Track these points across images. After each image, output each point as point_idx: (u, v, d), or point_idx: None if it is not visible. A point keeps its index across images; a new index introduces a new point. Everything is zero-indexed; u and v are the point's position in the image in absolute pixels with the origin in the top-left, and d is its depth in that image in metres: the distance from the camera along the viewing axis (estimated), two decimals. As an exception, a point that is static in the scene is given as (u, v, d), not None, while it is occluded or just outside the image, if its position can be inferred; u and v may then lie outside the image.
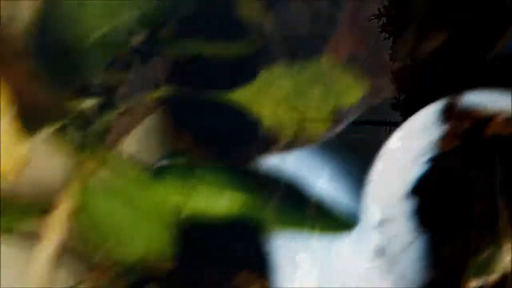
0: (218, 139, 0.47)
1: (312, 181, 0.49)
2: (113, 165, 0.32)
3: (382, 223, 0.44)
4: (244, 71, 0.37)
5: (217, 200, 0.29)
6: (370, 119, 0.42)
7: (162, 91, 0.35)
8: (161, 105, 0.49)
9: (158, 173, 0.30)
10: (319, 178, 0.50)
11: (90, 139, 0.35)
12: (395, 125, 0.42)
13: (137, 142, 0.72)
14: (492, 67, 0.41)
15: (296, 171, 0.51)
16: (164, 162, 0.33)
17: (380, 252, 0.43)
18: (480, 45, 0.40)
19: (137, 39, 0.35)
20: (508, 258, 0.33)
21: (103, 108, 0.37)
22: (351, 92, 0.31)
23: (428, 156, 0.43)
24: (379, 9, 0.32)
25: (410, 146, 0.43)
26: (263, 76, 0.31)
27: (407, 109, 0.42)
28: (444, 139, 0.41)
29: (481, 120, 0.39)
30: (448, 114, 0.39)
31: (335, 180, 0.50)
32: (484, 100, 0.38)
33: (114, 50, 0.32)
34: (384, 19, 0.32)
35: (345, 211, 0.32)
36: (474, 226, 0.40)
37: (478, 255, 0.35)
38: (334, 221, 0.31)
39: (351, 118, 0.38)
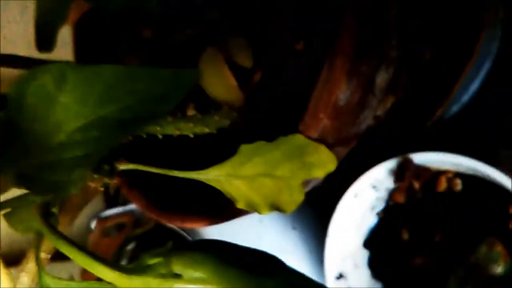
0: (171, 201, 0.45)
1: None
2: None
3: (341, 276, 0.45)
4: (216, 149, 0.36)
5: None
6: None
7: (133, 166, 0.32)
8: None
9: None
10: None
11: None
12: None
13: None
14: (432, 132, 0.44)
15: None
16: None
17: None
18: (422, 111, 0.43)
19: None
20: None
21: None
22: (324, 165, 0.32)
23: (380, 208, 0.46)
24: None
25: (364, 200, 0.45)
26: (237, 155, 0.30)
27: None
28: (396, 194, 0.44)
29: (430, 178, 0.42)
30: (402, 172, 0.41)
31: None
32: (432, 160, 0.41)
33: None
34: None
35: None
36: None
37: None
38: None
39: (315, 182, 0.39)
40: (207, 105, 0.34)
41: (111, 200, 0.74)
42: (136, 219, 0.65)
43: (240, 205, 0.30)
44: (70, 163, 0.22)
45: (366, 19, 0.28)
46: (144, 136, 0.30)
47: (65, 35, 0.53)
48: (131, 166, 0.30)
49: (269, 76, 0.34)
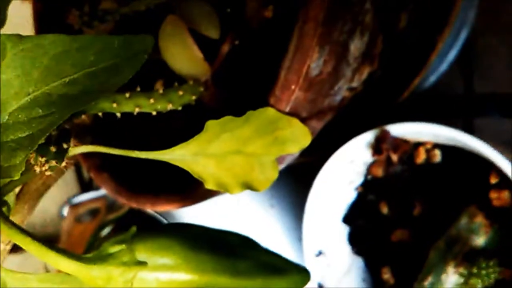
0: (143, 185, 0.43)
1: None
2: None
3: (321, 253, 0.44)
4: (183, 126, 0.34)
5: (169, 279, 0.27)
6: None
7: (89, 148, 0.30)
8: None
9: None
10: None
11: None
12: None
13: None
14: (407, 105, 0.43)
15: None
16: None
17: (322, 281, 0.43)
18: (399, 81, 0.41)
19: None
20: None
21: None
22: (298, 140, 0.30)
23: (358, 183, 0.44)
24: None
25: (341, 175, 0.43)
26: (204, 132, 0.28)
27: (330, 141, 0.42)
28: (374, 167, 0.42)
29: (409, 149, 0.41)
30: (379, 145, 0.40)
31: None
32: (410, 131, 0.39)
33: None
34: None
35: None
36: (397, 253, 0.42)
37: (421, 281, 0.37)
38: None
39: (291, 158, 0.37)
40: (177, 81, 0.32)
41: (86, 185, 0.71)
42: (109, 204, 0.63)
43: (209, 185, 0.28)
44: (13, 146, 0.20)
45: (337, -19, 0.26)
46: (100, 114, 0.27)
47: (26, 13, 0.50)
48: (89, 148, 0.28)
49: (237, 48, 0.32)
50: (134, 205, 0.41)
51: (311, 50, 0.26)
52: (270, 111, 0.28)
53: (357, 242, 0.46)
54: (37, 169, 0.23)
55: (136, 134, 0.40)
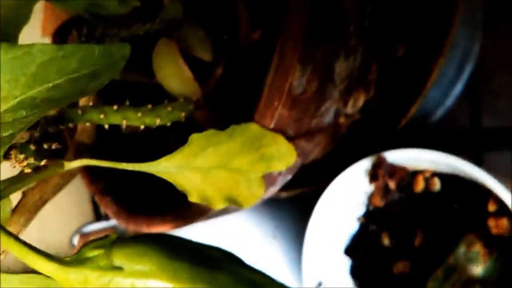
0: (143, 207, 0.44)
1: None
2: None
3: (320, 284, 0.44)
4: (168, 139, 0.36)
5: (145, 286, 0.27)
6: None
7: (82, 162, 0.31)
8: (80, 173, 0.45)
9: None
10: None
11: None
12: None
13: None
14: (405, 132, 0.43)
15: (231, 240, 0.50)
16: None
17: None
18: (396, 109, 0.42)
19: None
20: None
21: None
22: (283, 157, 0.30)
23: (360, 213, 0.44)
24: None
25: (341, 204, 0.43)
26: (188, 145, 0.29)
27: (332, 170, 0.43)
28: (374, 196, 0.42)
29: (407, 177, 0.40)
30: (375, 171, 0.40)
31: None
32: (408, 157, 0.39)
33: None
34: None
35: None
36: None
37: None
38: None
39: (283, 180, 0.37)
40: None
41: (102, 216, 0.73)
42: (119, 234, 0.64)
43: (192, 199, 0.29)
44: (-3, 143, 0.21)
45: (317, 4, 0.27)
46: (87, 124, 0.29)
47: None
48: (83, 162, 0.29)
49: (229, 70, 0.33)
50: (132, 227, 0.41)
51: (292, 67, 0.27)
52: (254, 127, 0.29)
53: (359, 275, 0.45)
54: (17, 165, 0.24)
55: (137, 155, 0.41)
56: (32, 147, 0.24)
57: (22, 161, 0.24)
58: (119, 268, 0.25)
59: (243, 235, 0.52)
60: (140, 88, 0.39)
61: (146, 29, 0.32)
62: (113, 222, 0.66)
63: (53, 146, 0.25)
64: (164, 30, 0.33)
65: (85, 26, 0.31)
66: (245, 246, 0.51)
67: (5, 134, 0.21)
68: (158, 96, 0.36)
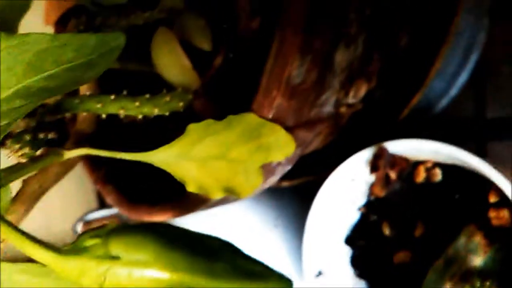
0: (145, 196, 0.44)
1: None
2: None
3: (321, 273, 0.44)
4: (166, 129, 0.35)
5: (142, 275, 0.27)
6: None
7: (81, 151, 0.31)
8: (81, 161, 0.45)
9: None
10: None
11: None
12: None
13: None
14: (408, 122, 0.43)
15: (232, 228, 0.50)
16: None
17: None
18: (398, 99, 0.41)
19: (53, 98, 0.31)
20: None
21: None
22: (282, 147, 0.30)
23: (361, 203, 0.44)
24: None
25: (343, 194, 0.43)
26: (186, 135, 0.29)
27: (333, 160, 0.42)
28: (375, 187, 0.42)
29: (408, 167, 0.40)
30: (376, 161, 0.40)
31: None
32: (409, 148, 0.39)
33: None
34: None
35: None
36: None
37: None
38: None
39: (283, 170, 0.37)
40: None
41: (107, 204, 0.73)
42: (122, 222, 0.64)
43: (190, 188, 0.29)
44: (-8, 133, 0.21)
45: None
46: (84, 113, 0.29)
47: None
48: (82, 151, 0.29)
49: (228, 59, 0.33)
50: (133, 216, 0.41)
51: (291, 56, 0.27)
52: (251, 117, 0.28)
53: (359, 264, 0.45)
54: (11, 155, 0.24)
55: (137, 145, 0.41)
56: (27, 136, 0.24)
57: (17, 150, 0.24)
58: (116, 258, 0.25)
59: (244, 224, 0.52)
60: (140, 78, 0.39)
61: (145, 18, 0.32)
62: (116, 210, 0.67)
63: (50, 136, 0.25)
64: (164, 19, 0.33)
65: (84, 15, 0.30)
66: (246, 235, 0.51)
67: (0, 123, 0.21)
68: (157, 85, 0.36)
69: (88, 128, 0.36)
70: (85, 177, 0.52)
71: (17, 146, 0.24)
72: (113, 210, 0.65)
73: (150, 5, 0.36)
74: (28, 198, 0.32)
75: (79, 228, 0.65)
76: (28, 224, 0.36)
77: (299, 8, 0.26)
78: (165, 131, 0.38)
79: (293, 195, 0.53)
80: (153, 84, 0.36)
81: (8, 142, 0.24)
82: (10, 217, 0.33)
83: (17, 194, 0.33)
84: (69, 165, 0.34)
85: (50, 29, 0.53)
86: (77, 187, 0.71)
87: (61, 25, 0.49)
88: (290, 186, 0.49)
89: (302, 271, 0.45)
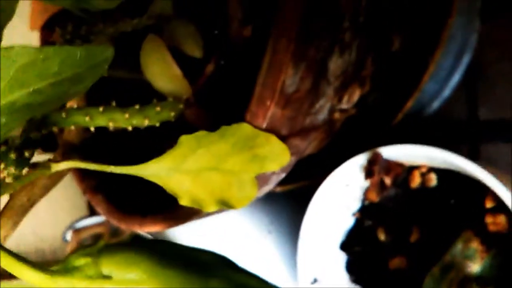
0: (135, 205, 0.44)
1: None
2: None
3: (316, 280, 0.43)
4: (157, 136, 0.35)
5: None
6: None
7: (69, 164, 0.30)
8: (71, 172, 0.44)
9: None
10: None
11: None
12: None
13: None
14: (401, 126, 0.42)
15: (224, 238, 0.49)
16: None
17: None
18: (392, 103, 0.41)
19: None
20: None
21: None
22: (276, 157, 0.30)
23: (356, 208, 0.43)
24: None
25: (337, 199, 0.42)
26: (178, 147, 0.28)
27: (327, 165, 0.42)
28: (370, 192, 0.42)
29: (403, 173, 0.40)
30: (371, 167, 0.39)
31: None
32: (403, 153, 0.39)
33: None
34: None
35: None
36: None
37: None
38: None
39: (277, 179, 0.36)
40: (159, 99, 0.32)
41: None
42: (113, 230, 0.63)
43: (183, 202, 0.28)
44: (-26, 152, 0.20)
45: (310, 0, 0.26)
46: (72, 127, 0.28)
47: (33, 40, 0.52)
48: (70, 164, 0.28)
49: (220, 67, 0.32)
50: (124, 226, 0.41)
51: (285, 65, 0.26)
52: (245, 127, 0.28)
53: (355, 270, 0.45)
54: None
55: (127, 156, 0.40)
56: (12, 155, 0.23)
57: (2, 170, 0.23)
58: (108, 277, 0.24)
59: (237, 230, 0.51)
60: (128, 85, 0.38)
61: (134, 25, 0.31)
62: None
63: (36, 153, 0.25)
64: (153, 26, 0.32)
65: (70, 24, 0.29)
66: (239, 242, 0.50)
67: (-16, 142, 0.20)
68: (146, 92, 0.35)
69: (75, 138, 0.35)
70: (74, 183, 0.51)
71: (1, 166, 0.23)
72: (103, 218, 0.64)
73: (139, 11, 0.35)
74: (16, 212, 0.31)
75: (69, 236, 0.63)
76: (17, 230, 0.35)
77: (292, 16, 0.25)
78: (155, 138, 0.37)
79: (286, 201, 0.52)
80: (141, 91, 0.36)
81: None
82: (-4, 233, 0.32)
83: (5, 207, 0.32)
84: (57, 177, 0.33)
85: (35, 35, 0.51)
86: (66, 193, 0.70)
87: (47, 30, 0.48)
88: (283, 191, 0.48)
89: (297, 278, 0.45)
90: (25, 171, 0.24)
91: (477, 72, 0.50)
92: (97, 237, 0.63)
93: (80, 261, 0.24)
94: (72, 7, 0.35)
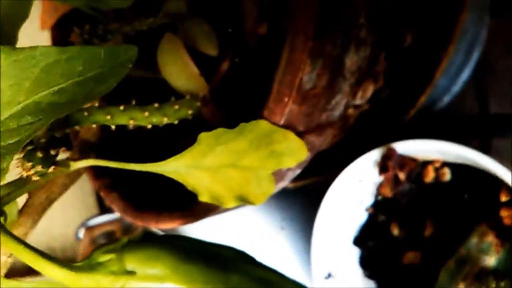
0: (152, 203, 0.44)
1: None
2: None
3: (330, 275, 0.43)
4: (175, 133, 0.35)
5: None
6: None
7: (88, 162, 0.31)
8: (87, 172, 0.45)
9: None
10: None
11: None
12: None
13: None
14: (419, 125, 0.42)
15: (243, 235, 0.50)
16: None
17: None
18: (405, 99, 0.41)
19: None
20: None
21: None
22: (294, 153, 0.30)
23: (369, 203, 0.44)
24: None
25: (350, 195, 0.43)
26: (197, 144, 0.29)
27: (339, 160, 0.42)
28: (383, 187, 0.42)
29: (417, 168, 0.40)
30: (385, 162, 0.39)
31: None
32: (418, 148, 0.39)
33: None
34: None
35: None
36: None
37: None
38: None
39: (293, 175, 0.37)
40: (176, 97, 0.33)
41: (107, 209, 0.73)
42: (125, 227, 0.63)
43: (203, 198, 0.28)
44: (3, 152, 0.21)
45: (327, -4, 0.26)
46: (93, 126, 0.28)
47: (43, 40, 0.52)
48: (89, 162, 0.28)
49: (235, 64, 0.32)
50: (139, 223, 0.41)
51: (302, 63, 0.26)
52: (263, 124, 0.28)
53: (369, 265, 0.45)
54: (24, 173, 0.24)
55: (144, 152, 0.41)
56: (39, 154, 0.23)
57: (30, 169, 0.23)
58: (131, 273, 0.24)
59: (250, 226, 0.51)
60: (144, 83, 0.39)
61: (149, 24, 0.32)
62: (117, 214, 0.66)
63: (61, 152, 0.25)
64: (167, 24, 0.32)
65: (87, 24, 0.30)
66: (252, 238, 0.51)
67: (10, 141, 0.20)
68: (162, 89, 0.35)
69: (92, 136, 0.35)
70: (84, 181, 0.51)
71: (29, 164, 0.23)
72: (115, 215, 0.65)
73: (152, 10, 0.35)
74: (35, 210, 0.32)
75: (81, 233, 0.64)
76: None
77: (309, 14, 0.25)
78: (172, 134, 0.37)
79: (299, 197, 0.52)
80: (157, 88, 0.36)
81: (20, 160, 0.23)
82: (18, 230, 0.32)
83: (24, 206, 0.32)
84: (75, 175, 0.33)
85: (47, 34, 0.52)
86: (75, 191, 0.70)
87: (57, 29, 0.48)
88: (295, 187, 0.48)
89: (310, 273, 0.45)
90: (51, 169, 0.24)
91: (485, 66, 0.51)
92: (109, 235, 0.64)
93: (104, 257, 0.24)
94: (85, 6, 0.35)
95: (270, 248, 0.50)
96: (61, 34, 0.48)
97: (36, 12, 0.58)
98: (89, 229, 0.63)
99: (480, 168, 0.37)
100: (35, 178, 0.24)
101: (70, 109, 0.21)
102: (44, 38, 0.51)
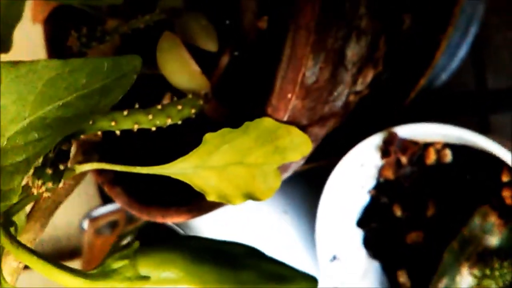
0: (157, 197, 0.44)
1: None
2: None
3: (335, 258, 0.44)
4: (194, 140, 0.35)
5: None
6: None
7: (93, 165, 0.31)
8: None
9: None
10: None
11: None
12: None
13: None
14: (418, 105, 0.42)
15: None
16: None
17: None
18: (405, 82, 0.41)
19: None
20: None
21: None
22: (298, 147, 0.30)
23: (371, 186, 0.44)
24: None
25: (352, 179, 0.43)
26: (203, 145, 0.29)
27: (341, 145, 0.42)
28: (385, 170, 0.42)
29: (418, 150, 0.40)
30: (387, 147, 0.40)
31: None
32: (418, 132, 0.39)
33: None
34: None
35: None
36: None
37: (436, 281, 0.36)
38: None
39: (296, 166, 0.37)
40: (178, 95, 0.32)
41: (109, 198, 0.73)
42: (128, 216, 0.64)
43: (211, 198, 0.28)
44: (11, 169, 0.20)
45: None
46: (99, 133, 0.28)
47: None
48: (94, 166, 0.28)
49: (236, 59, 0.32)
50: (145, 217, 0.41)
51: (305, 58, 0.26)
52: (267, 121, 0.28)
53: (372, 245, 0.46)
54: (35, 191, 0.24)
55: (146, 150, 0.41)
56: (49, 170, 0.23)
57: (40, 186, 0.23)
58: (146, 277, 0.25)
59: (253, 211, 0.52)
60: (141, 78, 0.38)
61: (146, 22, 0.31)
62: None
63: (69, 165, 0.25)
64: (164, 20, 0.32)
65: (81, 21, 0.29)
66: (256, 222, 0.51)
67: (19, 159, 0.20)
68: (159, 83, 0.35)
69: (95, 136, 0.35)
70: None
71: (39, 182, 0.23)
72: (118, 205, 0.65)
73: (148, 6, 0.35)
74: (43, 215, 0.32)
75: (85, 224, 0.64)
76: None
77: (310, 9, 0.25)
78: (175, 131, 0.37)
79: (301, 181, 0.53)
80: (155, 83, 0.36)
81: (30, 178, 0.23)
82: (27, 235, 0.32)
83: (31, 211, 0.32)
84: (80, 177, 0.34)
85: (39, 29, 0.51)
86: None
87: (49, 24, 0.48)
88: (298, 172, 0.49)
89: (315, 257, 0.46)
90: (61, 184, 0.24)
91: (483, 39, 0.50)
92: (113, 224, 0.64)
93: (118, 264, 0.25)
94: (77, 2, 0.35)
95: (274, 232, 0.51)
96: (54, 30, 0.47)
97: (28, 6, 0.57)
98: (93, 219, 0.64)
99: (480, 149, 0.37)
100: (46, 194, 0.24)
101: (77, 124, 0.21)
102: (36, 32, 0.50)
